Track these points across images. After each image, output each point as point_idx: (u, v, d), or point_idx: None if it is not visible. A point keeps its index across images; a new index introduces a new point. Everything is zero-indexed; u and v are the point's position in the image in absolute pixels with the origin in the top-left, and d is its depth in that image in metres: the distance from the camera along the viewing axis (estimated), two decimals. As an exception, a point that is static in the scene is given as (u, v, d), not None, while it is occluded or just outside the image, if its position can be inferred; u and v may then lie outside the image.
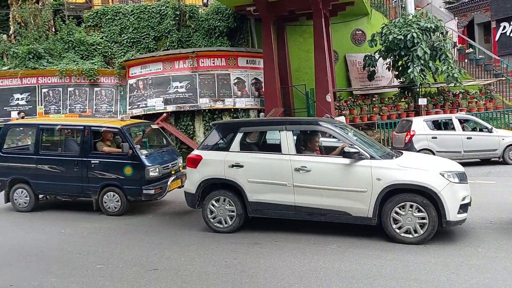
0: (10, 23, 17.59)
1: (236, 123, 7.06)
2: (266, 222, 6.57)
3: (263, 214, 6.17)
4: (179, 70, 15.07)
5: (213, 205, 6.33)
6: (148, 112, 15.10)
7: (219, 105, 14.87)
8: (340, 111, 14.26)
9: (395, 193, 5.44)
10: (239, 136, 6.36)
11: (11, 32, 17.45)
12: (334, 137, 6.18)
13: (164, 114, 14.93)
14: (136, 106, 15.49)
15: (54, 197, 8.48)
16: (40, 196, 8.35)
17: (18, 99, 16.16)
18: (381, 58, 15.08)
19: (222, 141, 6.61)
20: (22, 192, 8.13)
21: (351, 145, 5.73)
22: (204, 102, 14.84)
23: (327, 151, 6.48)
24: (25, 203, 8.12)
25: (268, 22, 13.81)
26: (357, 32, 17.32)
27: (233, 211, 6.23)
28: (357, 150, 5.63)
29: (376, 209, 5.47)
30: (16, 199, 8.17)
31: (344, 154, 5.67)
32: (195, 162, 6.46)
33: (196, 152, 6.65)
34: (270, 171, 6.02)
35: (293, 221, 6.28)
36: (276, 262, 5.00)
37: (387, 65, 15.32)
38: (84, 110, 16.03)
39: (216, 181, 6.36)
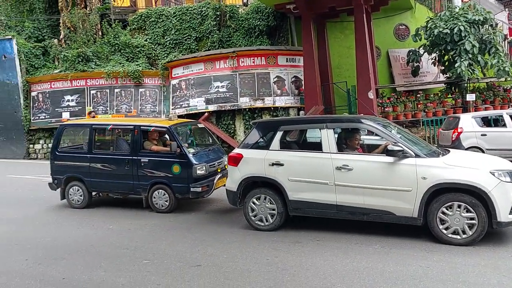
0: (61, 28, 18.56)
1: (276, 122, 7.05)
2: (307, 220, 6.56)
3: (304, 212, 6.15)
4: (220, 70, 15.29)
5: (254, 203, 6.38)
6: (190, 112, 15.46)
7: (259, 104, 14.95)
8: (383, 108, 13.94)
9: (441, 193, 5.27)
10: (279, 134, 6.37)
11: (61, 36, 18.41)
12: (377, 135, 6.06)
13: (206, 114, 15.21)
14: (179, 106, 15.87)
15: (106, 194, 8.81)
16: (93, 193, 8.70)
17: (68, 100, 17.02)
18: (426, 53, 14.57)
19: (262, 140, 6.65)
20: (77, 190, 8.50)
21: (395, 143, 5.59)
22: (244, 101, 14.98)
23: (370, 149, 6.38)
24: (79, 200, 8.48)
25: (308, 20, 13.70)
26: (400, 27, 16.85)
27: (273, 209, 6.25)
28: (401, 148, 5.49)
29: (421, 209, 5.32)
30: (71, 196, 8.55)
31: (387, 152, 5.56)
32: (236, 160, 6.53)
33: (237, 150, 6.72)
34: (310, 170, 5.98)
35: (335, 220, 6.22)
36: (317, 261, 4.97)
37: (433, 60, 14.78)
38: (130, 110, 16.63)
39: (257, 179, 6.40)
